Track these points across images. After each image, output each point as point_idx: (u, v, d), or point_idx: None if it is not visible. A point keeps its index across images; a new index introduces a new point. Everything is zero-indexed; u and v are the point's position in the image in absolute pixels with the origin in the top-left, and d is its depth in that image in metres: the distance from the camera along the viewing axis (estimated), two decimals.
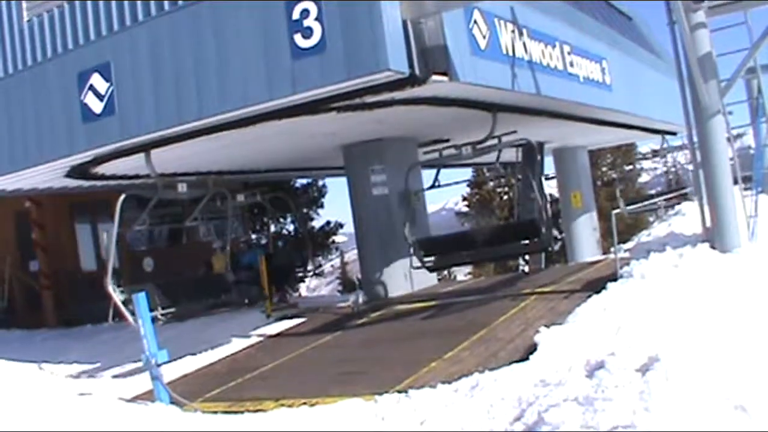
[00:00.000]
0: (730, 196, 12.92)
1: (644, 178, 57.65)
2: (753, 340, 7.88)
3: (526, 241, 15.94)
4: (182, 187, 14.87)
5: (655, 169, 66.88)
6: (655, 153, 64.64)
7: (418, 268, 16.49)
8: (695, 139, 13.51)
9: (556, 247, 16.21)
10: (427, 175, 19.60)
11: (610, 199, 37.76)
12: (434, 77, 11.95)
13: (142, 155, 14.38)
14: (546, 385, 7.88)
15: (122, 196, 13.58)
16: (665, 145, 29.48)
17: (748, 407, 5.99)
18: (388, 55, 11.02)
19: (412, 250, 16.22)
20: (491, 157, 17.14)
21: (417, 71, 11.61)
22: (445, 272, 29.57)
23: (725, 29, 14.11)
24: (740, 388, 6.30)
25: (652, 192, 46.90)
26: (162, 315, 14.22)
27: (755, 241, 12.96)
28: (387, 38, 11.03)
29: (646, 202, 23.78)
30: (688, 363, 6.96)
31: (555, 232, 15.50)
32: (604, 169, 43.42)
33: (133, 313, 12.90)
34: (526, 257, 20.88)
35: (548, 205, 15.85)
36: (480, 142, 15.95)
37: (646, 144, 58.52)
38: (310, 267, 27.22)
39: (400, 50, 11.36)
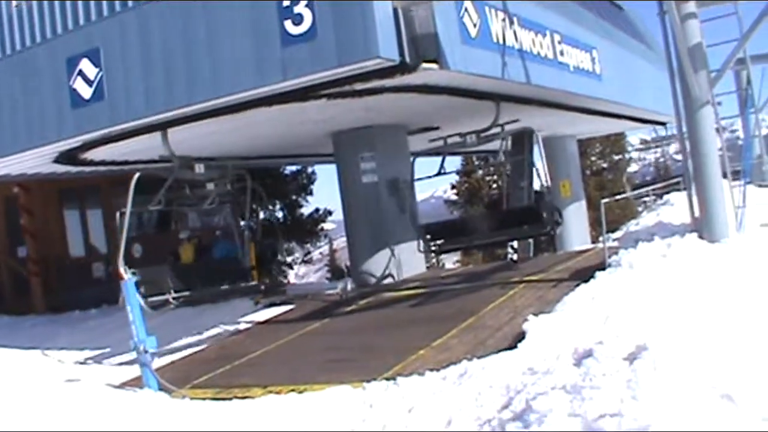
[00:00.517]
0: (718, 186, 12.98)
1: (633, 167, 57.79)
2: (740, 330, 7.91)
3: (529, 226, 16.12)
4: (199, 168, 14.70)
5: (644, 159, 67.15)
6: (646, 144, 64.94)
7: (424, 251, 16.74)
8: (684, 129, 13.56)
9: (558, 232, 16.45)
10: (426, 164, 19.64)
11: (599, 189, 37.87)
12: (424, 65, 11.93)
13: (131, 141, 14.38)
14: (534, 373, 7.91)
15: (136, 176, 13.45)
16: (654, 135, 29.62)
17: (735, 396, 6.01)
18: (379, 43, 11.01)
19: (418, 235, 16.51)
20: (491, 145, 17.25)
21: (407, 59, 11.59)
22: (434, 260, 29.61)
23: (716, 20, 14.15)
24: (727, 378, 6.33)
25: (639, 181, 47.06)
26: (174, 299, 14.14)
27: (743, 231, 13.03)
28: (377, 25, 11.02)
29: (642, 190, 23.86)
30: (675, 352, 6.99)
31: (557, 217, 15.66)
32: (593, 158, 43.48)
33: (144, 296, 12.92)
34: (515, 245, 20.93)
35: (549, 191, 16.02)
36: (484, 130, 16.05)
37: (635, 134, 58.88)
38: (297, 255, 26.94)
39: (391, 38, 11.34)
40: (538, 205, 15.80)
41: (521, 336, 9.68)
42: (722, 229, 12.85)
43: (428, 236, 16.35)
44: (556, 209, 15.74)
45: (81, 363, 14.54)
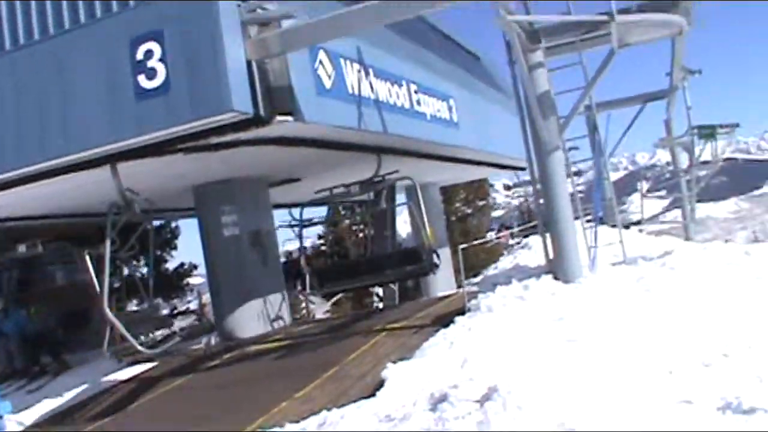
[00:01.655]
0: (570, 228, 13.37)
1: (498, 212, 58.98)
2: (590, 367, 8.14)
3: (412, 267, 16.73)
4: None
5: (509, 203, 68.66)
6: (509, 188, 66.44)
7: (314, 294, 17.24)
8: (537, 174, 13.96)
9: (436, 273, 17.82)
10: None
11: (464, 234, 38.46)
12: (279, 117, 12.02)
13: None
14: (391, 420, 7.98)
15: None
16: (517, 180, 30.45)
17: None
18: (232, 96, 11.08)
19: (308, 279, 17.42)
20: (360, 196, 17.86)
21: (261, 111, 11.67)
22: (303, 311, 29.61)
23: (563, 69, 14.62)
24: (574, 413, 6.51)
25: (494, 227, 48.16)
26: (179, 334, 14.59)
27: (596, 271, 13.41)
28: (231, 79, 11.09)
29: (499, 234, 24.59)
30: (526, 391, 7.15)
31: (435, 259, 16.23)
32: (457, 204, 44.09)
33: (135, 337, 12.68)
34: (380, 294, 21.39)
35: (428, 236, 16.65)
36: (368, 181, 16.46)
37: (500, 180, 60.17)
38: (164, 312, 26.50)
39: (244, 91, 11.41)
40: (418, 249, 16.50)
41: (381, 383, 9.74)
42: (576, 269, 13.23)
43: (318, 280, 16.76)
44: (434, 252, 16.36)
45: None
